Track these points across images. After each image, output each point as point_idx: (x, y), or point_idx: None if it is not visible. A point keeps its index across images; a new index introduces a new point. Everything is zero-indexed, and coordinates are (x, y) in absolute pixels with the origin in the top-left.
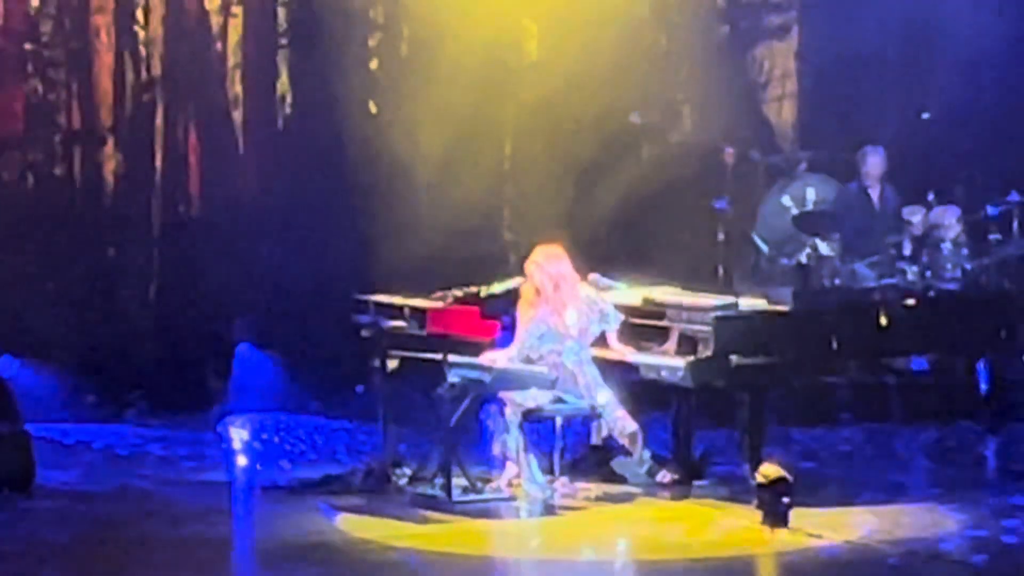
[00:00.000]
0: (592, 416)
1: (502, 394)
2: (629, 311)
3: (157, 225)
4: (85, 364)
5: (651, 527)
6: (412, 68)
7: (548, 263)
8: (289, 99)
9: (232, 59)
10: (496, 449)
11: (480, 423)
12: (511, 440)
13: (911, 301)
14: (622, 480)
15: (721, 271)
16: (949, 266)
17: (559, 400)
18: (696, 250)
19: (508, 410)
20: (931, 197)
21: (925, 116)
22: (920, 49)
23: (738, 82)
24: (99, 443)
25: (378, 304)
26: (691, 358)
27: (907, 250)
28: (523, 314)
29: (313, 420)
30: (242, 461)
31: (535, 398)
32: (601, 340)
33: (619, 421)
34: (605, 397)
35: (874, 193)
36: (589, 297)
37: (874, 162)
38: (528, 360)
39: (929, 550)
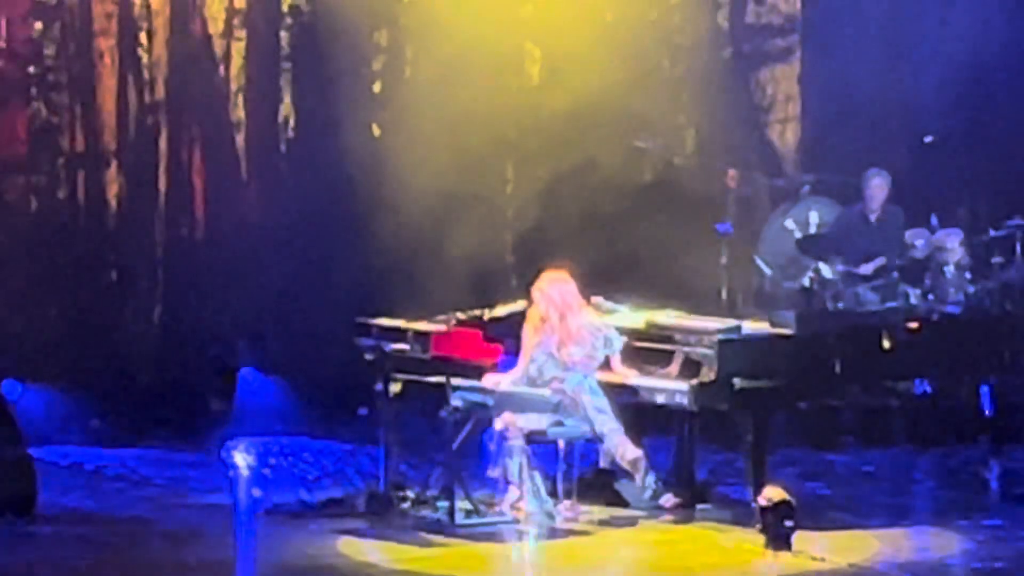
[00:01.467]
0: (594, 439)
1: (504, 418)
2: (632, 334)
3: (160, 248)
4: (88, 387)
5: (655, 550)
6: (415, 91)
7: (553, 290)
8: (292, 122)
9: (235, 82)
10: (495, 472)
11: (483, 446)
12: (513, 463)
13: (914, 324)
14: (625, 503)
15: (724, 294)
16: (952, 289)
17: (560, 423)
18: (699, 273)
19: (510, 433)
20: (934, 221)
21: (928, 140)
22: (922, 72)
23: (741, 105)
24: (102, 466)
25: (381, 327)
26: (694, 381)
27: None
28: (528, 338)
29: (316, 443)
30: (244, 484)
31: (537, 421)
32: (605, 363)
33: (621, 447)
34: (608, 423)
35: (873, 216)
36: (593, 324)
37: (877, 184)
38: (532, 383)
39: (932, 573)
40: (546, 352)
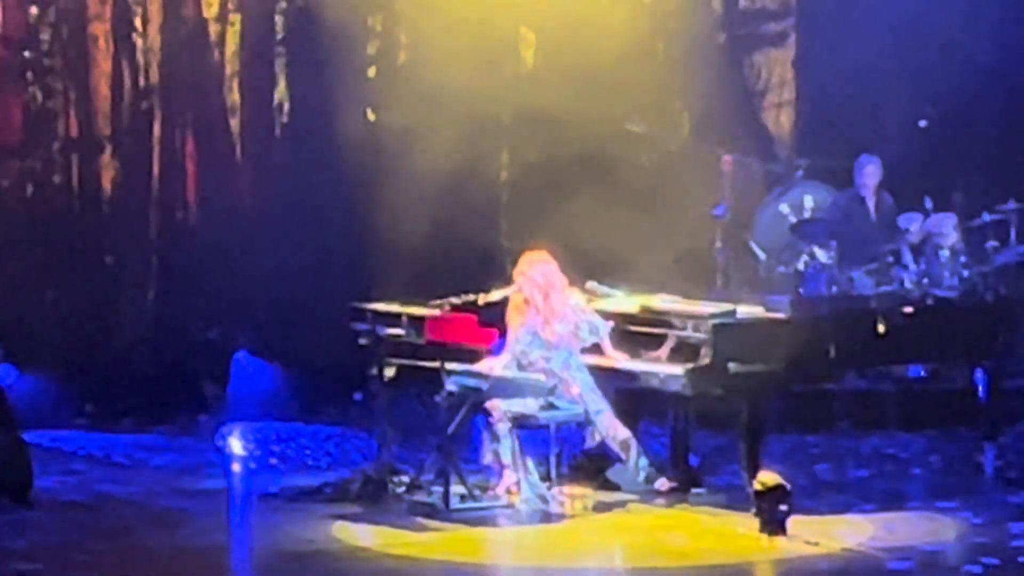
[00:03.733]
0: (585, 423)
1: (489, 403)
2: (627, 319)
3: (155, 233)
4: (83, 372)
5: (649, 535)
6: (410, 76)
7: (534, 271)
8: (287, 107)
9: (230, 67)
10: (487, 458)
11: (477, 431)
12: (503, 447)
13: (909, 309)
14: (618, 488)
15: (719, 278)
16: (947, 273)
17: (550, 407)
18: (694, 257)
19: (495, 417)
20: (929, 205)
21: (922, 124)
22: (917, 57)
23: (736, 90)
24: (96, 451)
25: (376, 312)
26: (689, 366)
27: (906, 258)
28: (512, 321)
29: (310, 428)
30: (239, 470)
31: (524, 404)
32: (597, 348)
33: (611, 428)
34: (597, 404)
35: (870, 201)
36: (578, 304)
37: (870, 171)
38: (519, 366)
39: (927, 557)
40: (531, 332)
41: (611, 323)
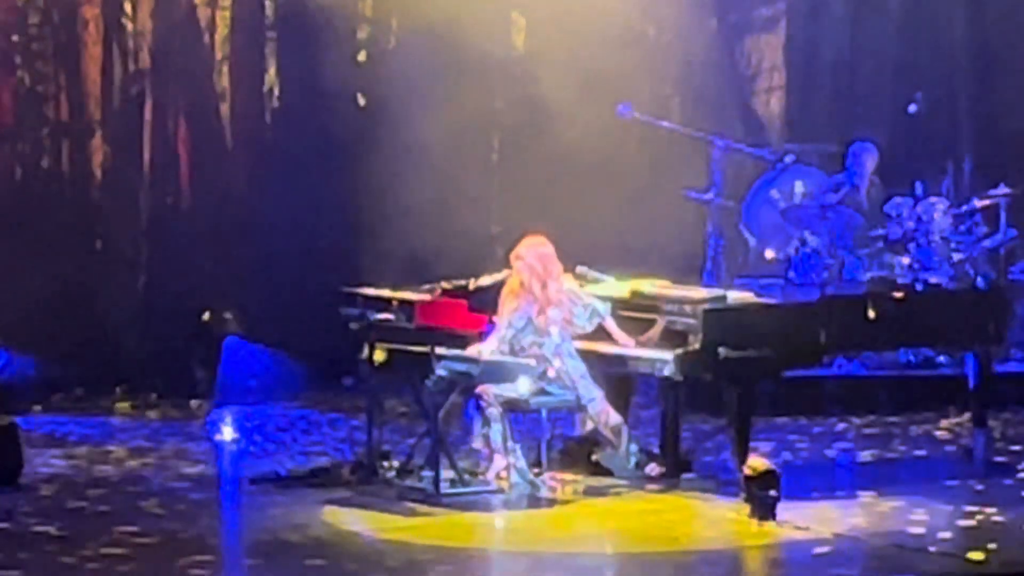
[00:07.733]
0: (576, 409)
1: (481, 387)
2: (617, 304)
3: (145, 217)
4: (73, 356)
5: (639, 520)
6: (400, 61)
7: (533, 256)
8: (277, 92)
9: (220, 52)
10: (478, 443)
11: (467, 416)
12: (494, 432)
13: (899, 294)
14: (608, 473)
15: (709, 263)
16: (937, 259)
17: (542, 392)
18: (684, 242)
19: (486, 402)
20: (919, 190)
21: (912, 109)
22: (907, 42)
23: (726, 75)
24: (86, 435)
25: (366, 297)
26: (679, 351)
27: (896, 243)
28: (506, 304)
29: (300, 412)
30: (229, 454)
31: (515, 389)
32: (600, 332)
33: (603, 414)
34: (589, 390)
35: (862, 187)
36: (573, 291)
37: (867, 158)
38: (511, 351)
39: (916, 542)
40: (525, 317)
41: (608, 304)
